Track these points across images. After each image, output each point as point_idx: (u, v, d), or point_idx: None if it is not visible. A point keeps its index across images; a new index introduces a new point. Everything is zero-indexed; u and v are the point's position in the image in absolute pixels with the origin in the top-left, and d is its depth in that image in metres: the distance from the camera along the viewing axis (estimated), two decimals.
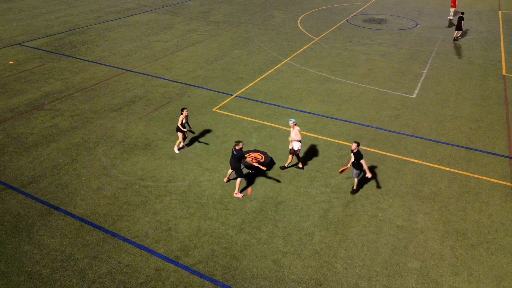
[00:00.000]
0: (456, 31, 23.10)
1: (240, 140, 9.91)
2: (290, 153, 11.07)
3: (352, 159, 9.89)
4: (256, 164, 10.12)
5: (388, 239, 8.96)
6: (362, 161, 9.75)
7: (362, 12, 30.33)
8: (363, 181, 10.78)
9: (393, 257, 8.49)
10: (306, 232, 9.13)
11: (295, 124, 10.90)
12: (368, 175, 9.78)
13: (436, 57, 20.64)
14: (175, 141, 12.63)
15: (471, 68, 19.21)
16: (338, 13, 30.00)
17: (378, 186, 10.55)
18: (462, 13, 23.91)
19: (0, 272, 8.00)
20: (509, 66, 19.45)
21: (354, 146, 9.75)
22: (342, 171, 10.04)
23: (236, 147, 9.83)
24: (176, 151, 12.09)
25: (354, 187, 10.29)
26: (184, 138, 11.97)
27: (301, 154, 12.05)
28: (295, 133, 10.82)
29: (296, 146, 10.91)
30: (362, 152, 10.40)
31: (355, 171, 10.08)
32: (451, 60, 20.15)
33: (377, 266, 8.27)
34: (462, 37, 23.86)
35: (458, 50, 21.68)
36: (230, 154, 11.90)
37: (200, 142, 12.70)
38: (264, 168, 10.10)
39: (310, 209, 9.84)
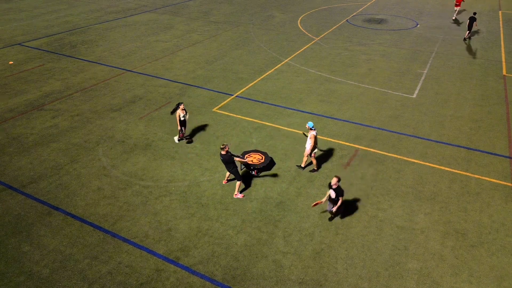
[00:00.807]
0: (468, 31, 23.08)
1: (225, 144, 9.80)
2: (310, 156, 11.06)
3: (332, 195, 8.90)
4: (246, 161, 10.32)
5: (389, 239, 8.94)
6: (341, 199, 8.84)
7: (362, 12, 30.32)
8: (341, 208, 9.72)
9: (394, 258, 8.47)
10: (307, 232, 9.11)
11: (310, 128, 10.70)
12: (334, 208, 8.96)
13: (436, 57, 20.62)
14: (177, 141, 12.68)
15: (471, 68, 19.19)
16: (338, 13, 29.99)
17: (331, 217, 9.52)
18: (474, 13, 23.64)
19: (0, 273, 7.98)
20: (509, 66, 19.43)
21: (334, 181, 8.78)
22: (315, 204, 9.09)
23: (222, 152, 9.79)
24: (176, 140, 12.65)
25: (333, 213, 9.31)
26: (181, 130, 12.44)
27: (302, 154, 12.03)
28: (309, 136, 10.75)
29: (307, 147, 10.93)
30: (343, 187, 9.10)
31: (331, 205, 9.13)
32: (451, 60, 20.13)
33: (377, 267, 8.25)
34: (470, 38, 23.73)
35: (458, 50, 21.66)
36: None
37: (187, 138, 12.75)
38: (248, 162, 10.15)
39: (310, 209, 9.82)
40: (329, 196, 9.00)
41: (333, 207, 9.04)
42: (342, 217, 9.53)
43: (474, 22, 22.87)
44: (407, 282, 7.91)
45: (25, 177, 10.90)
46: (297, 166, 11.47)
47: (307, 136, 11.13)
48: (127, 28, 24.95)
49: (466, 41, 23.21)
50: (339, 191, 8.82)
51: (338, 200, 8.87)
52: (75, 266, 8.15)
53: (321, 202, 9.07)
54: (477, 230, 9.24)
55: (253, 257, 8.44)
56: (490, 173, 11.27)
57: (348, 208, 9.89)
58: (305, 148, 11.17)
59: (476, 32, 24.78)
